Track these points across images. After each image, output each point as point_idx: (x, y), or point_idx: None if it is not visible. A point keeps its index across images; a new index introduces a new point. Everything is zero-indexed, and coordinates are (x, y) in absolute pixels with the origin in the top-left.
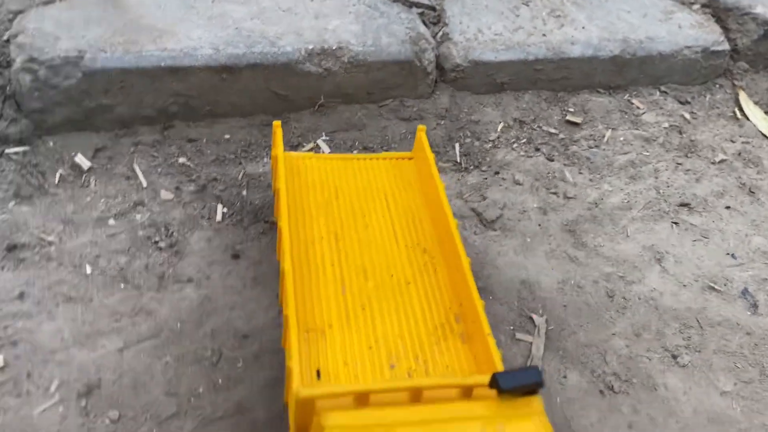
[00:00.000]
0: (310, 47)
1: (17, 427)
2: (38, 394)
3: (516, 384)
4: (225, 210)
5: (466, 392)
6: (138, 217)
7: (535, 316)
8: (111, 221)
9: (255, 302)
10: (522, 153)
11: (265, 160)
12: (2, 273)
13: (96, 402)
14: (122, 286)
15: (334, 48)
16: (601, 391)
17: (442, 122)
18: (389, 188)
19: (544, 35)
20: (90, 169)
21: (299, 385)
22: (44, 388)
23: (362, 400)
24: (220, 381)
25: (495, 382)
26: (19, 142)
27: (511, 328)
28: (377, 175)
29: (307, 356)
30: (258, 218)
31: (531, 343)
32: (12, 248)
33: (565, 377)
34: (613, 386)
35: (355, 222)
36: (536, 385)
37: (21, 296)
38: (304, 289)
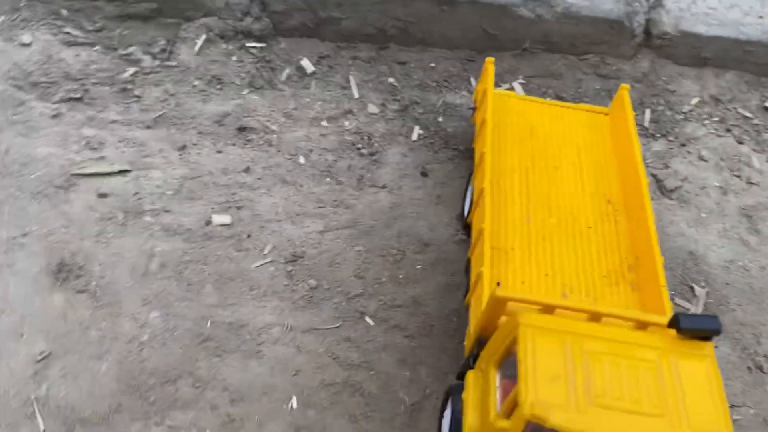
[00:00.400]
0: None
1: (236, 274)
2: (255, 253)
3: (696, 326)
4: (421, 132)
5: (641, 327)
6: (347, 123)
7: (696, 287)
8: (324, 122)
9: (437, 217)
10: (712, 130)
11: (464, 92)
12: (233, 148)
13: (299, 269)
14: (327, 180)
15: None
16: (749, 368)
17: (638, 86)
18: (582, 138)
19: (760, 17)
20: (312, 73)
21: (495, 287)
22: (260, 249)
23: (548, 311)
24: (400, 276)
25: (675, 321)
26: (259, 39)
27: (672, 293)
28: (571, 124)
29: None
30: (448, 145)
31: (689, 311)
32: (242, 129)
33: (716, 347)
34: (762, 366)
35: (546, 162)
36: (714, 332)
37: (247, 170)
38: (494, 211)
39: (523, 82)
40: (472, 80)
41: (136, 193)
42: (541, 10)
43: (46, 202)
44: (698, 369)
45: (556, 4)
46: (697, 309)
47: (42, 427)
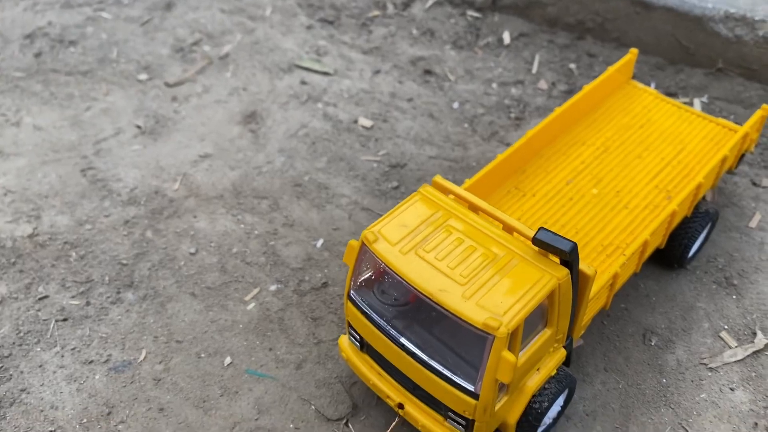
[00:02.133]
0: (731, 10)
1: (348, 159)
2: (371, 151)
3: (548, 241)
4: None
5: (508, 230)
6: (512, 90)
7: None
8: (494, 85)
9: None
10: None
11: None
12: (411, 83)
13: (393, 173)
14: (465, 125)
15: (755, 18)
16: None
17: None
18: (693, 144)
19: None
20: (507, 45)
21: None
22: (376, 150)
23: (473, 209)
24: None
25: (535, 234)
26: (478, 10)
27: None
28: (691, 131)
29: (498, 205)
30: None
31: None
32: (427, 72)
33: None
34: None
35: (634, 149)
36: (562, 252)
37: (410, 100)
38: (543, 163)
39: (705, 101)
40: (653, 87)
41: (325, 89)
42: (740, 30)
43: (268, 75)
44: (532, 276)
45: (759, 27)
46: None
47: (176, 187)
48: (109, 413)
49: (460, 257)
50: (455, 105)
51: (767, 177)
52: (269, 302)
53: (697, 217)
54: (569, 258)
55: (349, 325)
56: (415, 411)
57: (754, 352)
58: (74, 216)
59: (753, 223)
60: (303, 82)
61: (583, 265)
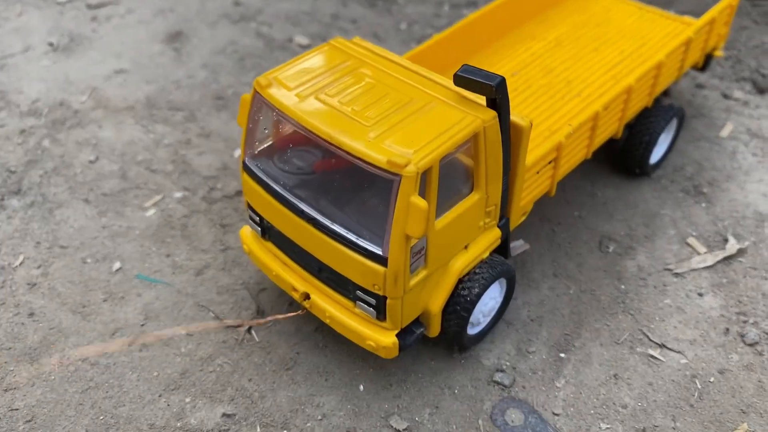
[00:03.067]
0: None
1: None
2: None
3: (471, 75)
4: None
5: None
6: (465, 12)
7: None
8: (445, 7)
9: None
10: None
11: None
12: (359, 8)
13: None
14: None
15: None
16: None
17: None
18: (655, 40)
19: None
20: None
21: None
22: None
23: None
24: None
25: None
26: None
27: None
28: (654, 28)
29: None
30: None
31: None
32: None
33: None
34: None
35: (589, 44)
36: (488, 87)
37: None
38: (488, 55)
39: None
40: None
41: (260, 9)
42: None
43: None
44: (451, 118)
45: None
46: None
47: (83, 99)
48: None
49: (369, 101)
50: (402, 26)
51: (739, 90)
52: (172, 209)
53: (659, 111)
54: (496, 95)
55: (249, 207)
56: (322, 300)
57: (726, 258)
58: None
59: (724, 133)
60: (236, 3)
61: (516, 116)
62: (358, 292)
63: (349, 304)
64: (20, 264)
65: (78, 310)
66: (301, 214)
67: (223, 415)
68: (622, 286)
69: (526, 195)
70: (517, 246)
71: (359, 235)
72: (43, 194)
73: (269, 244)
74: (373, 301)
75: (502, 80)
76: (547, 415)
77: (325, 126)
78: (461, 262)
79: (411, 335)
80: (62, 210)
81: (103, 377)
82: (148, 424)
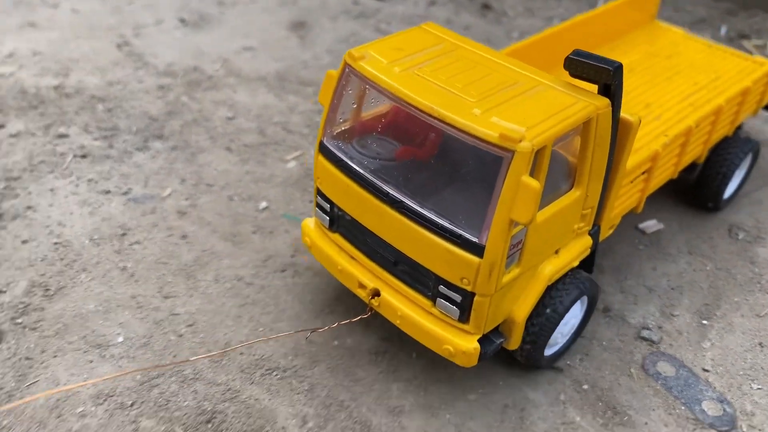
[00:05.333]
0: None
1: None
2: None
3: (585, 59)
4: None
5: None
6: None
7: None
8: (555, 21)
9: None
10: None
11: None
12: (468, 15)
13: None
14: None
15: None
16: None
17: None
18: (729, 75)
19: None
20: None
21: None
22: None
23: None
24: None
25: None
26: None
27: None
28: (725, 65)
29: None
30: None
31: None
32: (484, 7)
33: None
34: None
35: (662, 73)
36: (605, 73)
37: (448, 21)
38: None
39: None
40: (723, 31)
41: (377, 10)
42: None
43: None
44: (563, 101)
45: None
46: None
47: (216, 68)
48: (123, 234)
49: (470, 78)
50: (514, 35)
51: None
52: (312, 164)
53: (737, 143)
54: (613, 81)
55: (318, 194)
56: (394, 298)
57: None
58: (105, 78)
59: None
60: (355, 2)
61: (626, 113)
62: (441, 288)
63: (426, 302)
64: (168, 195)
65: (229, 239)
66: (385, 196)
67: (380, 338)
68: (756, 269)
69: (619, 204)
70: (651, 225)
71: (453, 221)
72: (185, 140)
73: (336, 236)
74: (458, 298)
75: (620, 66)
76: (697, 370)
77: (425, 99)
78: (551, 268)
79: (491, 345)
80: (204, 155)
81: (259, 296)
82: (308, 340)
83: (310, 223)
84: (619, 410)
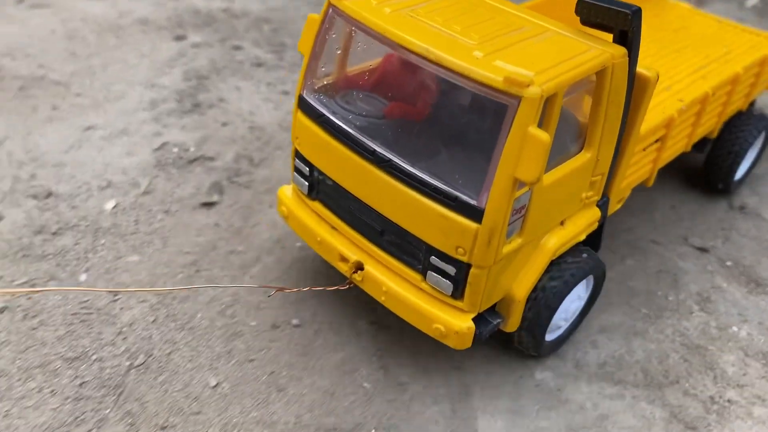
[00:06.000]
0: None
1: None
2: None
3: (599, 1)
4: None
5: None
6: None
7: None
8: None
9: None
10: None
11: None
12: None
13: None
14: None
15: None
16: None
17: None
18: (742, 50)
19: None
20: None
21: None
22: None
23: None
24: None
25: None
26: None
27: None
28: (736, 39)
29: None
30: None
31: None
32: None
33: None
34: None
35: (670, 45)
36: (623, 18)
37: None
38: None
39: None
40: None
41: None
42: None
43: None
44: (576, 47)
45: None
46: None
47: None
48: None
49: (471, 21)
50: None
51: None
52: None
53: (751, 118)
54: (630, 27)
55: (297, 157)
56: (379, 271)
57: None
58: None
59: None
60: None
61: (643, 67)
62: (433, 259)
63: (415, 276)
64: None
65: None
66: (371, 155)
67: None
68: None
69: (630, 174)
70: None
71: (449, 183)
72: None
73: (316, 204)
74: (452, 270)
75: (639, 10)
76: None
77: (419, 40)
78: (556, 240)
79: (487, 325)
80: None
81: None
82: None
83: (287, 191)
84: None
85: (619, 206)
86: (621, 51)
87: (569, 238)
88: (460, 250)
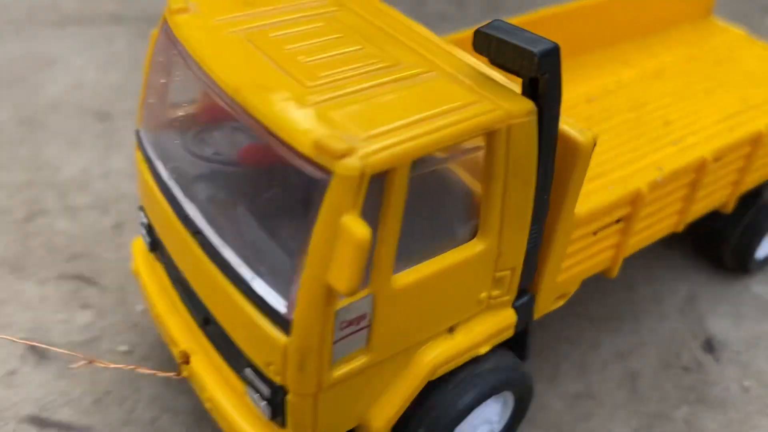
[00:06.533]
0: None
1: None
2: None
3: (499, 35)
4: None
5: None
6: None
7: None
8: None
9: None
10: None
11: None
12: None
13: None
14: None
15: None
16: None
17: None
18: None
19: None
20: None
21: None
22: None
23: None
24: None
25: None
26: None
27: None
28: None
29: None
30: None
31: None
32: None
33: None
34: None
35: (702, 82)
36: (529, 60)
37: None
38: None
39: None
40: None
41: None
42: None
43: None
44: (454, 96)
45: None
46: None
47: None
48: None
49: (329, 51)
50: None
51: None
52: None
53: None
54: (539, 73)
55: (141, 207)
56: (205, 370)
57: None
58: None
59: None
60: None
61: (572, 124)
62: (249, 371)
63: (239, 386)
64: None
65: None
66: (185, 221)
67: None
68: None
69: (572, 265)
70: None
71: (258, 273)
72: None
73: (159, 266)
74: (267, 391)
75: (552, 50)
76: None
77: (232, 74)
78: (439, 352)
79: None
80: None
81: None
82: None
83: (140, 243)
84: None
85: (560, 304)
86: (525, 107)
87: (461, 350)
88: (272, 368)
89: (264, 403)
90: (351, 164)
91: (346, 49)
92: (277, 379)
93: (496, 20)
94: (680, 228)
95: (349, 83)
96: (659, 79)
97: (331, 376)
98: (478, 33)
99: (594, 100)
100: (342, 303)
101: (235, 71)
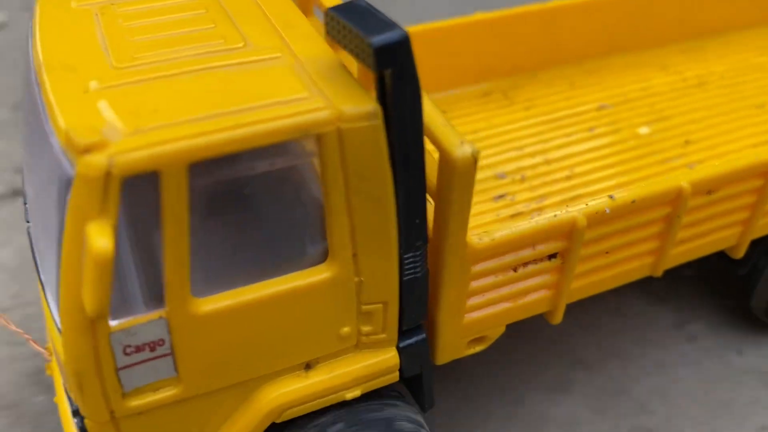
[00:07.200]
0: None
1: None
2: None
3: (345, 17)
4: None
5: None
6: None
7: None
8: None
9: None
10: None
11: None
12: None
13: None
14: None
15: None
16: None
17: None
18: None
19: None
20: None
21: None
22: None
23: None
24: None
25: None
26: None
27: None
28: None
29: None
30: None
31: None
32: None
33: None
34: None
35: (756, 95)
36: (363, 47)
37: None
38: (572, 73)
39: None
40: None
41: None
42: None
43: None
44: (277, 89)
45: None
46: None
47: None
48: None
49: (174, 30)
50: None
51: None
52: None
53: None
54: (380, 68)
55: None
56: (58, 374)
57: None
58: None
59: None
60: None
61: (450, 137)
62: (66, 387)
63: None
64: None
65: None
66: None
67: None
68: None
69: (485, 304)
70: None
71: (47, 281)
72: None
73: None
74: (75, 410)
75: (401, 41)
76: None
77: (50, 51)
78: (285, 392)
79: None
80: None
81: None
82: None
83: None
84: None
85: (479, 348)
86: (363, 109)
87: (317, 391)
88: (68, 387)
89: (75, 421)
90: (94, 162)
91: (195, 28)
92: (77, 402)
93: (351, 1)
94: (658, 272)
95: (165, 67)
96: (700, 89)
97: (128, 404)
98: (327, 14)
99: (605, 108)
100: (120, 326)
101: (56, 48)
